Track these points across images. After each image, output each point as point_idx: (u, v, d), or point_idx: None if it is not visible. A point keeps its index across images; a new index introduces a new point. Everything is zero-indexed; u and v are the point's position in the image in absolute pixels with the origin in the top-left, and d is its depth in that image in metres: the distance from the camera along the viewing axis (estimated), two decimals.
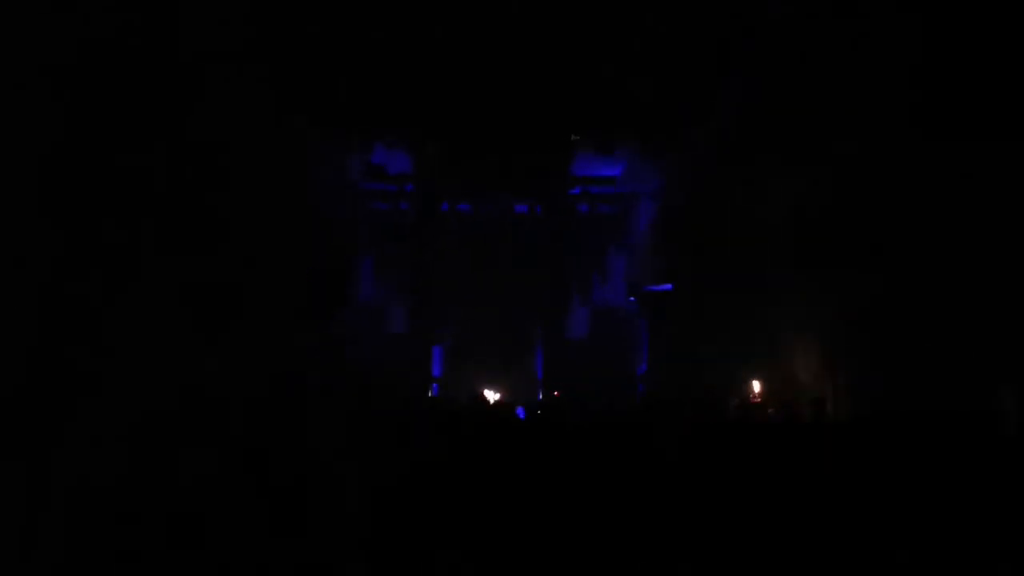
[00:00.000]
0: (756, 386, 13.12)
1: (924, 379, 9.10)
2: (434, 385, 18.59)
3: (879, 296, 10.30)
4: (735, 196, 13.47)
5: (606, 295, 19.13)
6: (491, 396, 16.28)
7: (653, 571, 5.05)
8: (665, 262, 16.48)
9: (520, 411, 12.41)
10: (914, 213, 9.69)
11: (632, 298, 18.38)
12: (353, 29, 12.17)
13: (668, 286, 16.48)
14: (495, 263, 18.81)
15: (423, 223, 18.36)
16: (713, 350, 14.11)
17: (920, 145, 9.35)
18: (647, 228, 17.75)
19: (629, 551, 5.15)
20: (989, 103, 8.48)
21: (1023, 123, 8.27)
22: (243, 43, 10.02)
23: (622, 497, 5.64)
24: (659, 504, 5.65)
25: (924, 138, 9.21)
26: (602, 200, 18.90)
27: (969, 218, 8.91)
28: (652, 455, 6.26)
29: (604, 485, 5.86)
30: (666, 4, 11.89)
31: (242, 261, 10.29)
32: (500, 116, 14.34)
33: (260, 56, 10.94)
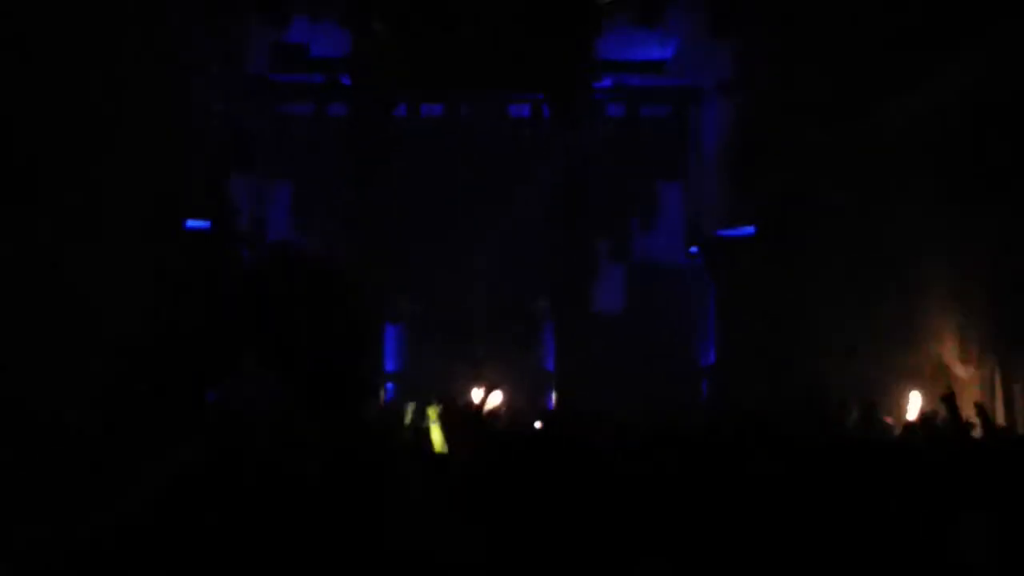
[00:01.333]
0: (915, 400, 12.60)
1: None
2: (388, 385, 18.35)
3: None
4: (854, 92, 13.82)
5: (652, 245, 19.21)
6: (489, 400, 15.43)
7: None
8: (745, 193, 16.58)
9: None
10: None
11: (693, 249, 18.49)
12: None
13: (749, 229, 16.57)
14: (481, 197, 18.85)
15: (367, 135, 18.06)
16: (819, 328, 14.43)
17: None
18: (716, 141, 17.76)
19: None
20: None
21: None
22: None
23: None
24: None
25: None
26: (646, 98, 18.83)
27: None
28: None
29: None
30: None
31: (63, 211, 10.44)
32: None
33: None
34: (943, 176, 12.83)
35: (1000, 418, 11.69)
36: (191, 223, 15.19)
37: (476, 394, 15.69)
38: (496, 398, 15.93)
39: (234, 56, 16.39)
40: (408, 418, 12.45)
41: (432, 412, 10.67)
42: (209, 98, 15.53)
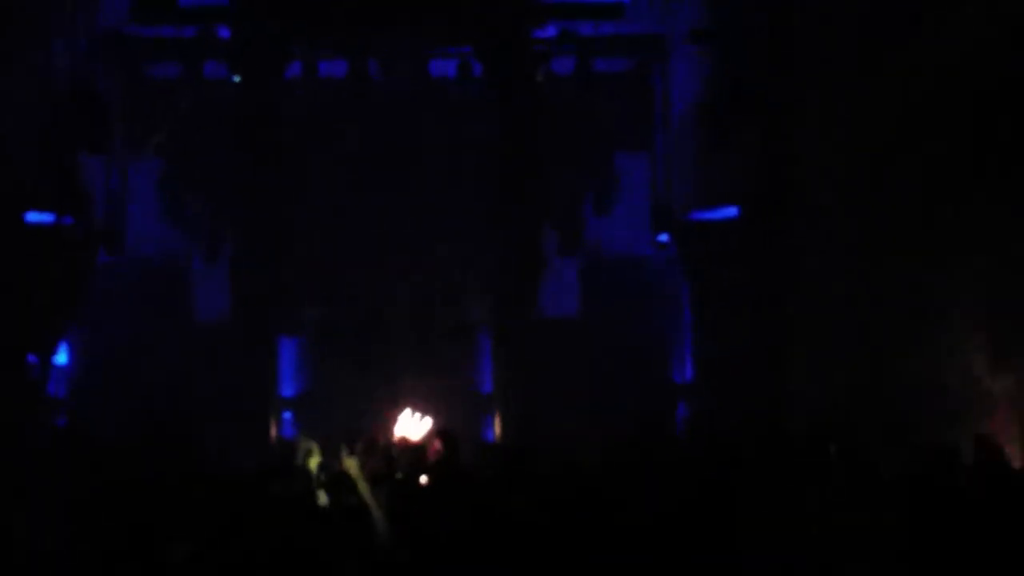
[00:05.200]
0: None
1: None
2: (285, 413, 18.29)
3: None
4: (863, 39, 14.16)
5: (612, 233, 19.04)
6: (414, 429, 15.33)
7: None
8: (725, 167, 16.57)
9: None
10: None
11: (663, 236, 18.41)
12: None
13: (732, 211, 16.52)
14: (396, 178, 18.71)
15: (253, 100, 17.99)
16: (820, 333, 14.72)
17: None
18: (688, 102, 17.66)
19: None
20: None
21: None
22: None
23: None
24: None
25: None
26: (600, 50, 18.75)
27: None
28: None
29: None
30: None
31: None
32: None
33: None
34: (978, 146, 13.00)
35: None
36: (31, 216, 15.32)
37: (402, 424, 15.84)
38: (420, 426, 15.96)
39: (82, 3, 16.47)
40: (310, 463, 12.10)
41: (351, 464, 10.18)
42: (50, 56, 15.60)
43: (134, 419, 14.74)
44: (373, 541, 8.81)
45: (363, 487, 9.63)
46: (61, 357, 16.64)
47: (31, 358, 15.76)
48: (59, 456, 12.09)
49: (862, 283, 14.12)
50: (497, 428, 17.64)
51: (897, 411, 13.37)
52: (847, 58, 14.28)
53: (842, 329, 14.26)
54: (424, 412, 16.30)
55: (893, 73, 13.82)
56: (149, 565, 7.83)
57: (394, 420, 15.65)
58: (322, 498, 9.82)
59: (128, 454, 11.09)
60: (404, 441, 14.17)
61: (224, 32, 17.87)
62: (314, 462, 11.89)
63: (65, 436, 15.28)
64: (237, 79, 18.07)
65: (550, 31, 18.15)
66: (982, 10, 12.87)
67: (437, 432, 14.20)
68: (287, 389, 18.42)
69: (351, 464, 9.88)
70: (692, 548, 8.04)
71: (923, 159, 13.58)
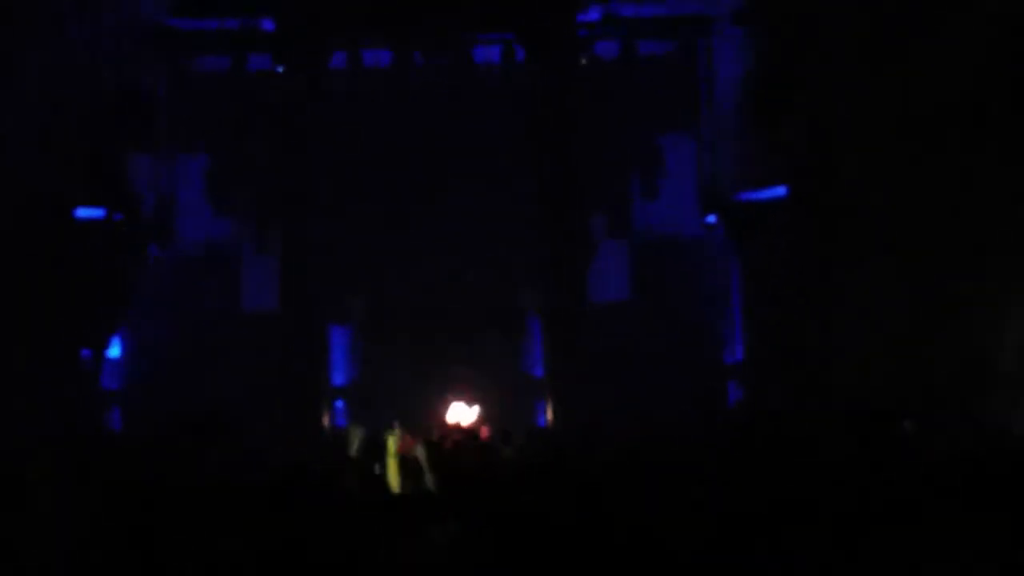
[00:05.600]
0: None
1: None
2: (337, 402, 18.38)
3: None
4: (909, 12, 14.11)
5: (660, 215, 18.97)
6: (464, 416, 16.38)
7: None
8: (774, 145, 16.52)
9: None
10: None
11: (711, 217, 18.30)
12: None
13: (781, 190, 16.51)
14: (443, 166, 18.77)
15: (298, 92, 18.07)
16: (871, 312, 14.57)
17: None
18: (734, 81, 17.52)
19: None
20: None
21: None
22: None
23: None
24: None
25: None
26: (644, 31, 18.65)
27: None
28: None
29: None
30: None
31: None
32: None
33: None
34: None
35: None
36: (82, 211, 15.49)
37: (453, 411, 16.21)
38: (468, 414, 16.16)
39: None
40: (388, 446, 12.25)
41: (391, 442, 10.32)
42: (95, 53, 15.53)
43: (181, 414, 14.56)
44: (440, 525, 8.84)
45: (428, 476, 9.76)
46: (114, 350, 16.65)
47: (85, 352, 15.92)
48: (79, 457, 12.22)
49: (905, 263, 14.07)
50: (549, 412, 17.65)
51: (944, 393, 13.33)
52: (897, 33, 14.16)
53: (887, 307, 14.21)
54: (475, 398, 16.73)
55: (945, 47, 13.69)
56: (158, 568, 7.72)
57: (445, 408, 15.91)
58: (394, 483, 9.95)
59: (150, 456, 11.13)
60: (454, 428, 14.39)
61: (268, 24, 17.97)
62: (393, 444, 12.01)
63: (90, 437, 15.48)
64: (281, 69, 18.22)
65: (593, 14, 18.17)
66: None
67: (486, 424, 14.43)
68: (338, 377, 18.46)
69: (420, 452, 10.02)
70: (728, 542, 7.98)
71: (966, 136, 13.51)
